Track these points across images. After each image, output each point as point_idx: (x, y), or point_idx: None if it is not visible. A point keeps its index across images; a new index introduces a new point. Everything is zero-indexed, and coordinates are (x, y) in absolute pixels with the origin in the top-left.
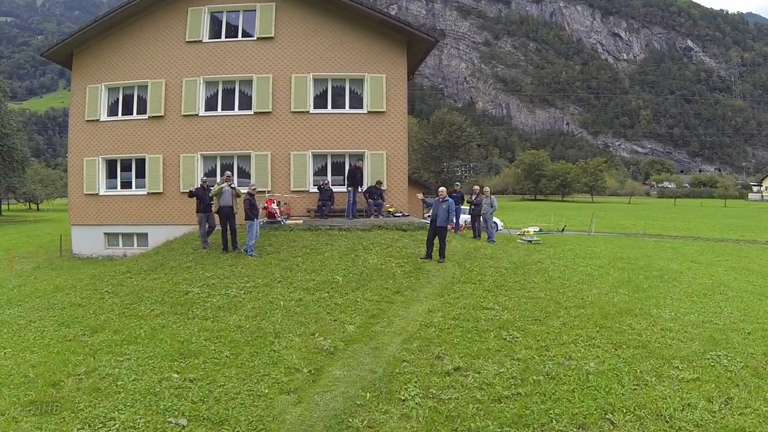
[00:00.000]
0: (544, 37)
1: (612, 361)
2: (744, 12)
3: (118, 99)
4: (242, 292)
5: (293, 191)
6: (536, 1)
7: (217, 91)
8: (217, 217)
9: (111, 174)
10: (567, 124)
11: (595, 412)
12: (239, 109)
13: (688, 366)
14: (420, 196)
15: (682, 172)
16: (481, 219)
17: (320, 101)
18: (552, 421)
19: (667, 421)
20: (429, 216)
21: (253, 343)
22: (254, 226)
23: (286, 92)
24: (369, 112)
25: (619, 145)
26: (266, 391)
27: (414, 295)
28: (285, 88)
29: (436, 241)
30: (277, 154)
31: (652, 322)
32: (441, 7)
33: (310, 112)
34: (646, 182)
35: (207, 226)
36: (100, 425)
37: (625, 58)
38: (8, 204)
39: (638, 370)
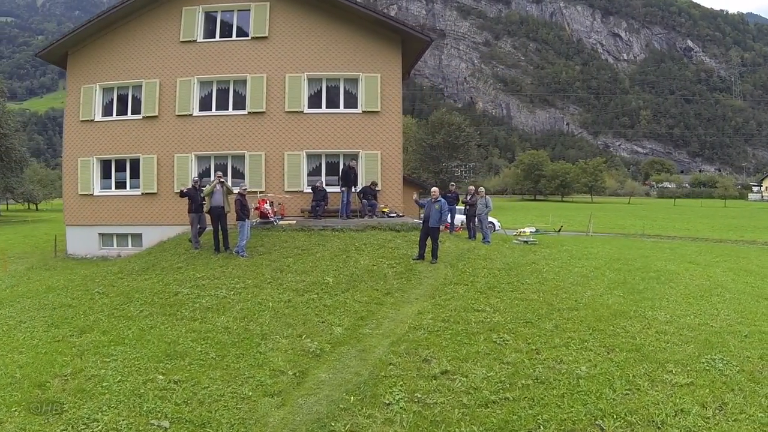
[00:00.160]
0: (544, 37)
1: (604, 364)
2: (744, 12)
3: (112, 99)
4: (231, 293)
5: (287, 191)
6: (536, 1)
7: (212, 91)
8: (208, 217)
9: (105, 174)
10: (567, 124)
11: (584, 418)
12: (233, 109)
13: (682, 370)
14: (414, 196)
15: (682, 172)
16: (476, 219)
17: (314, 101)
18: (540, 427)
19: (658, 428)
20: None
21: (240, 344)
22: (245, 227)
23: (281, 92)
24: (363, 111)
25: (620, 145)
26: (250, 393)
27: (404, 297)
28: (279, 88)
29: (429, 241)
30: (271, 154)
31: (647, 324)
32: (441, 8)
33: (305, 111)
34: (646, 182)
35: (198, 226)
36: (84, 426)
37: (625, 58)
38: (7, 204)
39: (631, 375)
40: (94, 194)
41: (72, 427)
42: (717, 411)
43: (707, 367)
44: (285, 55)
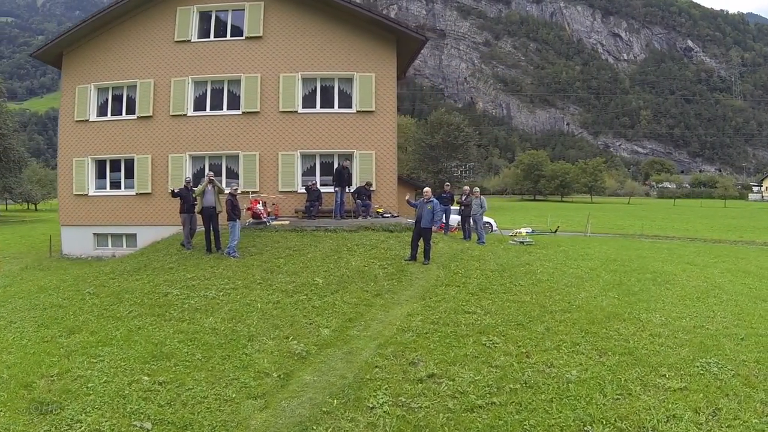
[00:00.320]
0: (545, 37)
1: (595, 368)
2: (744, 12)
3: (107, 99)
4: (221, 293)
5: (281, 192)
6: (536, 1)
7: (206, 90)
8: (199, 218)
9: (100, 174)
10: (567, 124)
11: (572, 424)
12: (228, 109)
13: (675, 374)
14: (407, 197)
15: (682, 172)
16: (471, 220)
17: (309, 101)
18: None
19: None
20: None
21: (226, 346)
22: (236, 227)
23: (275, 92)
24: (358, 111)
25: (620, 145)
26: (233, 395)
27: (394, 298)
28: (273, 88)
29: (422, 242)
30: (266, 154)
31: (641, 327)
32: (441, 8)
33: (299, 111)
34: (646, 182)
35: (189, 227)
36: (67, 427)
37: (626, 58)
38: (6, 204)
39: (622, 379)
40: (89, 194)
41: (55, 427)
42: (710, 417)
43: (701, 371)
44: (279, 54)
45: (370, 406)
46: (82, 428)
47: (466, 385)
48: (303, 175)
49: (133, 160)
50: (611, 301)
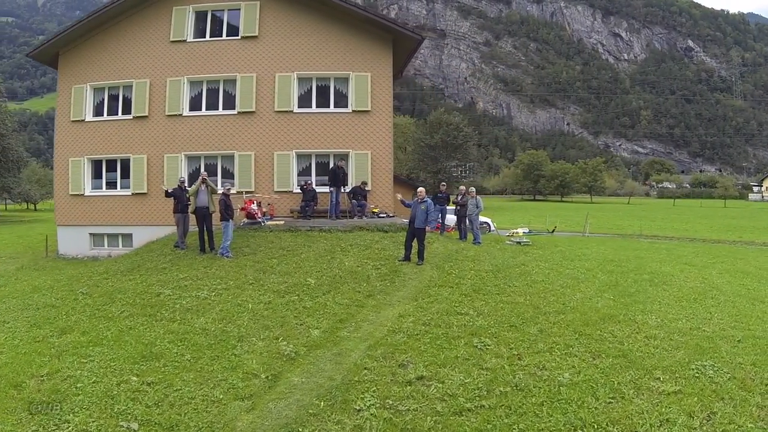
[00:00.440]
0: (545, 37)
1: (588, 371)
2: (745, 12)
3: (103, 99)
4: (213, 294)
5: (277, 192)
6: (537, 1)
7: (201, 90)
8: (193, 217)
9: (96, 174)
10: (568, 124)
11: (563, 428)
12: (223, 109)
13: (670, 377)
14: (399, 196)
15: (683, 172)
16: (467, 220)
17: (305, 100)
18: None
19: None
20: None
21: (216, 346)
22: (229, 228)
23: (270, 91)
24: (354, 111)
25: (620, 145)
26: (221, 396)
27: (386, 299)
28: (269, 88)
29: (416, 243)
30: (261, 154)
31: (636, 329)
32: (441, 8)
33: (294, 111)
34: (646, 182)
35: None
36: (54, 427)
37: (626, 58)
38: (5, 204)
39: (615, 382)
40: (85, 194)
41: (43, 427)
42: (704, 421)
43: (696, 374)
44: (275, 54)
45: (357, 408)
46: (70, 428)
47: (456, 387)
48: (299, 175)
49: (129, 160)
50: (606, 302)
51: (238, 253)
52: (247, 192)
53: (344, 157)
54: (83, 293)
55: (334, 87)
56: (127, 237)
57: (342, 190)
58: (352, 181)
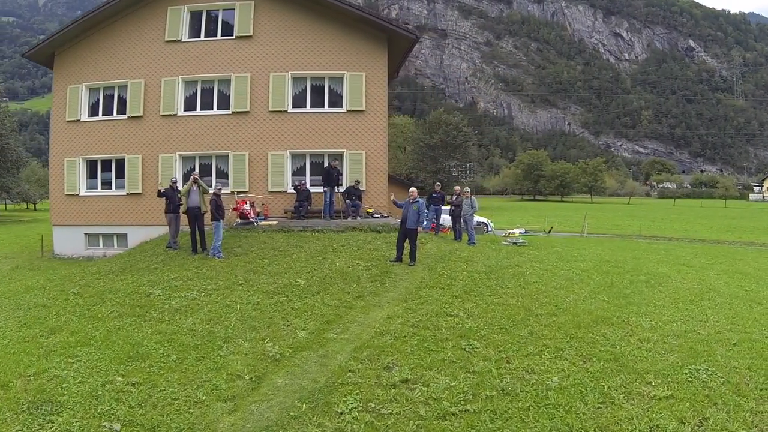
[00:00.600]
0: (546, 37)
1: (578, 375)
2: (746, 12)
3: (98, 99)
4: (202, 294)
5: (271, 192)
6: (538, 1)
7: (196, 90)
8: (185, 217)
9: (91, 174)
10: (568, 124)
11: None
12: (218, 109)
13: (662, 382)
14: (391, 196)
15: (683, 172)
16: (462, 220)
17: (299, 100)
18: None
19: None
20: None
21: (202, 347)
22: (220, 227)
23: (265, 91)
24: (348, 111)
25: (621, 145)
26: (204, 397)
27: (376, 301)
28: (263, 88)
29: (408, 243)
30: (255, 154)
31: (630, 331)
32: (442, 7)
33: (288, 111)
34: (647, 182)
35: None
36: (38, 427)
37: (627, 58)
38: (5, 204)
39: (606, 386)
40: (80, 194)
41: (27, 427)
42: (696, 427)
43: (690, 379)
44: (269, 54)
45: (339, 411)
46: (53, 428)
47: (441, 391)
48: (293, 175)
49: (124, 160)
50: (600, 304)
51: (229, 253)
52: (240, 192)
53: (338, 157)
54: (74, 293)
55: (329, 86)
56: (122, 237)
57: (336, 190)
58: (346, 181)
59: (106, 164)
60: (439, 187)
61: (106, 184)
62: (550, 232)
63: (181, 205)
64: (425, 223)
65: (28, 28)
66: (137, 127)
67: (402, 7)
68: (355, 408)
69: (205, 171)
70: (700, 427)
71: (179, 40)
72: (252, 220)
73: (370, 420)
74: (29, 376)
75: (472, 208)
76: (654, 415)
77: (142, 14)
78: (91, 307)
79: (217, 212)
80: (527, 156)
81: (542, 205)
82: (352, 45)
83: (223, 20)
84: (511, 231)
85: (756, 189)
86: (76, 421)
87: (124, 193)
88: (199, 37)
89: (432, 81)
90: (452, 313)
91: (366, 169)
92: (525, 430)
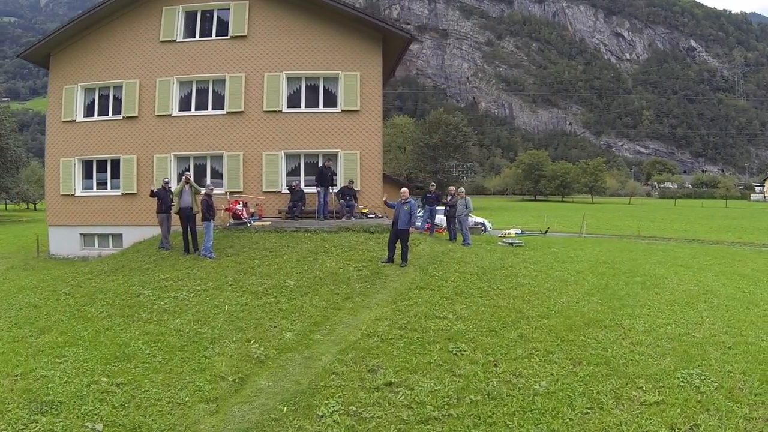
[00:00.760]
0: (547, 37)
1: (567, 379)
2: (747, 12)
3: (94, 99)
4: (191, 295)
5: (265, 192)
6: (539, 1)
7: (191, 91)
8: (176, 218)
9: (87, 175)
10: (570, 124)
11: None
12: (212, 109)
13: (653, 386)
14: (384, 198)
15: (685, 172)
16: (457, 221)
17: (293, 100)
18: None
19: None
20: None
21: (188, 348)
22: (210, 228)
23: (259, 91)
24: (343, 110)
25: (622, 145)
26: (187, 398)
27: (365, 302)
28: (258, 88)
29: (399, 244)
30: (250, 154)
31: (622, 334)
32: (443, 7)
33: (283, 111)
34: (648, 182)
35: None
36: (22, 427)
37: (628, 58)
38: (5, 204)
39: (595, 391)
40: (76, 195)
41: (12, 426)
42: None
43: (682, 384)
44: (264, 54)
45: (320, 414)
46: (36, 428)
47: (425, 394)
48: (288, 175)
49: (119, 160)
50: (594, 306)
51: (221, 253)
52: (234, 192)
53: (333, 157)
54: (66, 293)
55: (324, 86)
56: (118, 237)
57: (330, 190)
58: (341, 181)
59: (102, 164)
60: (434, 187)
61: (102, 185)
62: (546, 232)
63: (173, 205)
64: (420, 223)
65: (29, 29)
66: (132, 127)
67: (403, 7)
68: (336, 411)
69: (200, 171)
70: None
71: (174, 40)
72: (245, 220)
73: (351, 423)
74: (17, 375)
75: (466, 208)
76: (643, 421)
77: (137, 14)
78: (82, 307)
79: (208, 212)
80: (528, 156)
81: (543, 205)
82: (347, 45)
83: (217, 20)
84: (507, 231)
85: (757, 189)
86: (60, 421)
87: (120, 194)
88: (194, 37)
89: (433, 81)
90: (441, 315)
91: (360, 170)
92: None
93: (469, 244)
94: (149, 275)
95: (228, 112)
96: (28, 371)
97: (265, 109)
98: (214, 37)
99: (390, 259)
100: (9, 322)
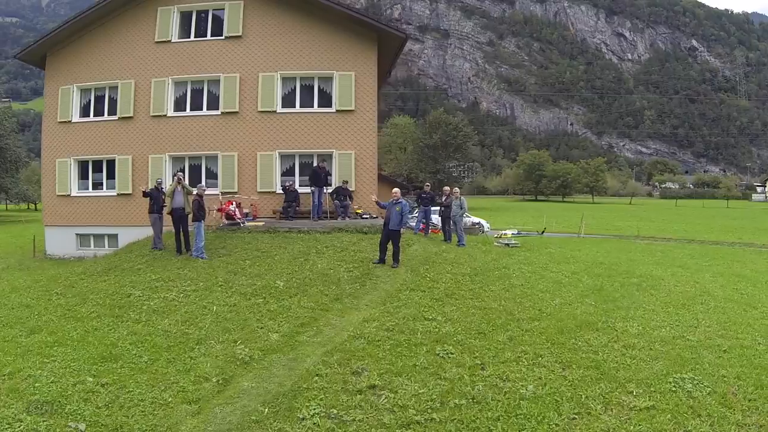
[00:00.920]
0: (548, 37)
1: (555, 383)
2: (749, 12)
3: (89, 100)
4: (181, 295)
5: (260, 192)
6: (540, 1)
7: (186, 91)
8: (169, 218)
9: (83, 175)
10: (571, 124)
11: None
12: (207, 110)
13: (644, 391)
14: (374, 197)
15: (686, 172)
16: (451, 221)
17: (288, 100)
18: None
19: None
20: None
21: (174, 348)
22: (201, 228)
23: (254, 92)
24: (338, 110)
25: (624, 145)
26: (170, 399)
27: (354, 303)
28: (252, 88)
29: (391, 245)
30: (244, 154)
31: (614, 337)
32: (445, 7)
33: (278, 111)
34: (649, 183)
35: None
36: (7, 426)
37: (630, 58)
38: (6, 204)
39: (583, 396)
40: (72, 195)
41: None
42: None
43: (673, 388)
44: (259, 54)
45: (301, 417)
46: (21, 427)
47: (408, 398)
48: (282, 175)
49: (115, 160)
50: (587, 308)
51: (213, 254)
52: (229, 192)
53: (327, 157)
54: (57, 293)
55: (318, 86)
56: (113, 237)
57: (325, 191)
58: (335, 182)
59: (97, 165)
60: (429, 187)
61: (97, 185)
62: (543, 233)
63: (165, 206)
64: (415, 223)
65: (31, 29)
66: (127, 127)
67: (404, 8)
68: (317, 414)
69: (195, 172)
70: None
71: (169, 41)
72: (238, 220)
73: (331, 426)
74: (4, 375)
75: (461, 208)
76: (632, 427)
77: (132, 15)
78: (73, 307)
79: (200, 213)
80: (529, 156)
81: (543, 205)
82: (342, 45)
83: (212, 20)
84: (503, 232)
85: (759, 189)
86: (44, 421)
87: (115, 194)
88: (189, 37)
89: (435, 81)
90: (430, 317)
91: (355, 170)
92: None
93: (463, 244)
94: (141, 275)
95: (223, 113)
96: (15, 371)
97: (259, 109)
98: (209, 37)
99: (381, 260)
100: (0, 321)
